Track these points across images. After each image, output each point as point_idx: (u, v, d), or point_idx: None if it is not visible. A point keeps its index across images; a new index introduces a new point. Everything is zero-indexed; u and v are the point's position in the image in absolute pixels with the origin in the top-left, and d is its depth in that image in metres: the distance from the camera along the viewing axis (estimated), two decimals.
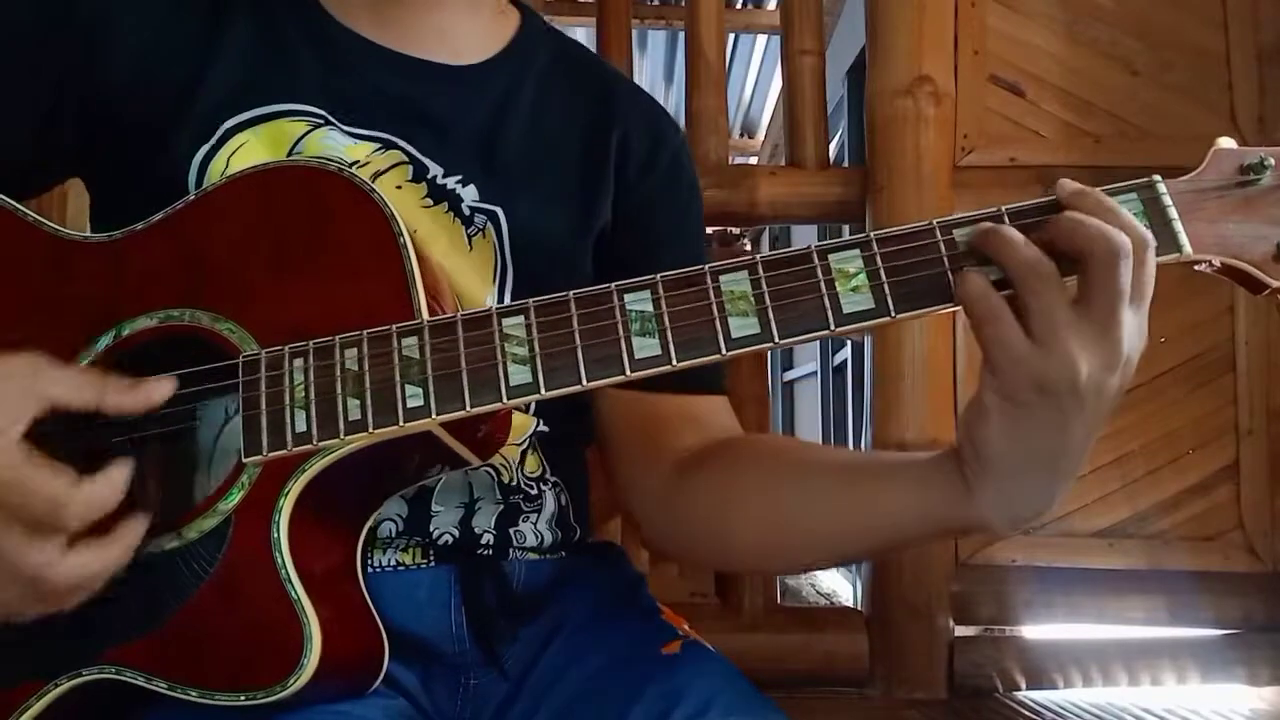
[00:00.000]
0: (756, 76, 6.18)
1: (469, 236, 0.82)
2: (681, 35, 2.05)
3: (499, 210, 0.83)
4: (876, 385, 1.71)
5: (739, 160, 6.14)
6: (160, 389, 0.65)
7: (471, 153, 0.83)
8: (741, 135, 7.01)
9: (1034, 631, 1.75)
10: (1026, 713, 1.57)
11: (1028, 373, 0.59)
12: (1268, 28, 1.76)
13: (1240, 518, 1.72)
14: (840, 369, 5.54)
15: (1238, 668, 1.67)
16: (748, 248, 4.98)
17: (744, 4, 5.21)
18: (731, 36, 5.21)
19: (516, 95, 0.87)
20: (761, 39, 5.54)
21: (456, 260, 0.81)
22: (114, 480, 0.61)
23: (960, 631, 1.69)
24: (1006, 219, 0.61)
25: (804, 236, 6.06)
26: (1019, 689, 1.67)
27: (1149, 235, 0.59)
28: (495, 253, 0.83)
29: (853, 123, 4.24)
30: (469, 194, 0.82)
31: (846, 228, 2.04)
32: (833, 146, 3.50)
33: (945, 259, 0.61)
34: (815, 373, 6.21)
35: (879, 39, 1.78)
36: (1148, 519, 1.73)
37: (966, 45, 1.78)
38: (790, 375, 7.18)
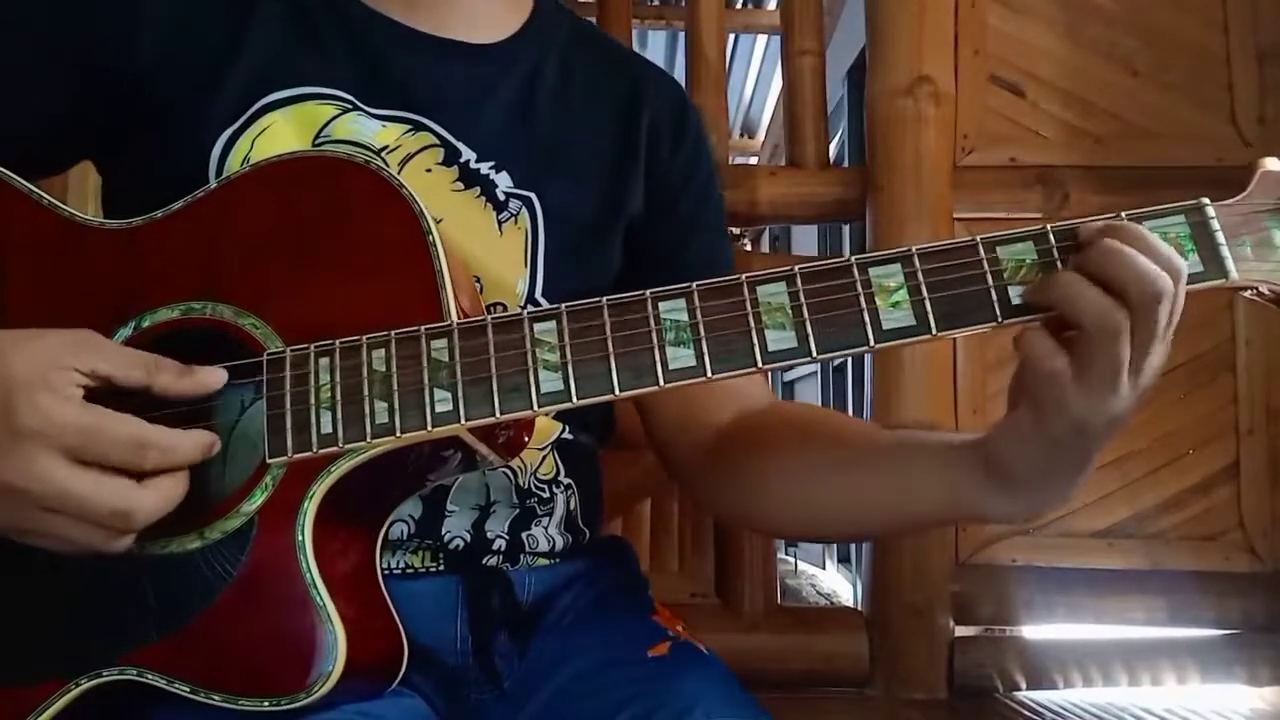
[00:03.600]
0: (756, 76, 6.18)
1: (500, 222, 0.82)
2: (681, 35, 2.05)
3: (533, 196, 0.83)
4: (877, 382, 1.71)
5: (739, 160, 6.13)
6: (215, 377, 0.64)
7: (503, 133, 0.83)
8: (741, 135, 7.01)
9: (1034, 632, 1.75)
10: (1026, 713, 1.57)
11: (1072, 417, 0.59)
12: (1268, 28, 1.76)
13: (1240, 518, 1.72)
14: (840, 369, 5.54)
15: (1238, 668, 1.67)
16: (748, 248, 4.98)
17: (744, 4, 5.21)
18: (731, 36, 5.20)
19: (543, 70, 0.87)
20: (761, 39, 5.54)
21: (486, 246, 0.80)
22: (197, 438, 0.62)
23: (960, 631, 1.69)
24: (1052, 238, 0.59)
25: (804, 236, 6.06)
26: (1019, 689, 1.67)
27: (1183, 265, 0.58)
28: (527, 238, 0.82)
29: (853, 123, 4.24)
30: (503, 180, 0.82)
31: (846, 227, 2.04)
32: (833, 146, 3.49)
33: (989, 276, 0.59)
34: (815, 372, 6.21)
35: (879, 39, 1.77)
36: (1148, 519, 1.72)
37: (966, 45, 1.78)
38: (791, 375, 7.17)
